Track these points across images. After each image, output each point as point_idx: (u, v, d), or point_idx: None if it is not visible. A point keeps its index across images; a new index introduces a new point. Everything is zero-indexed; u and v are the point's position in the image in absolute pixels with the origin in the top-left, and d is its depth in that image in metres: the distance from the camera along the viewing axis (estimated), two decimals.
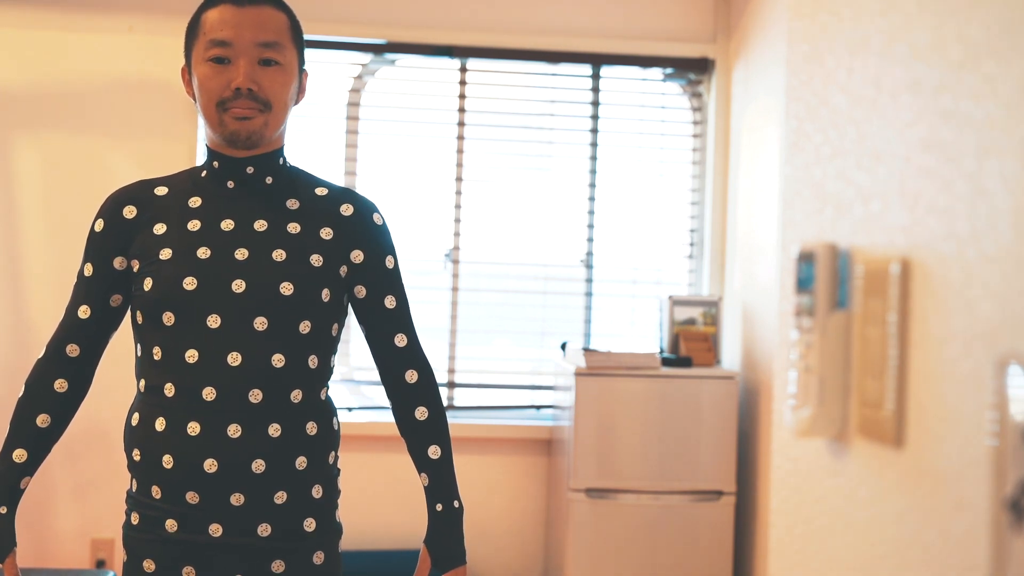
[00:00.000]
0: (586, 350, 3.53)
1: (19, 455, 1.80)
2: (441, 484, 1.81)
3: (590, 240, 4.06)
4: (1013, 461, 0.66)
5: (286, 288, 1.70)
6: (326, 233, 1.77)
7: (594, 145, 4.07)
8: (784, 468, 1.05)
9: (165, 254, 1.73)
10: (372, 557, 3.71)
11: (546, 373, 4.04)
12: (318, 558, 1.75)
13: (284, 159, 1.83)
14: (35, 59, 3.80)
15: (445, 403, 3.95)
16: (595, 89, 4.07)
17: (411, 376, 1.84)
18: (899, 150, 0.86)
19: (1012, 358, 0.68)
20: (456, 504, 1.82)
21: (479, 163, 4.05)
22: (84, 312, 1.82)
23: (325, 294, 1.75)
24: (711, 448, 3.50)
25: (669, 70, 4.07)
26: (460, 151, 4.02)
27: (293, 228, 1.75)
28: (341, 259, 1.78)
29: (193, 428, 1.68)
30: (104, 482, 3.76)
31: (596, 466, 3.48)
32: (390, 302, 1.82)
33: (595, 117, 4.07)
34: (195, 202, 1.78)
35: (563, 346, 3.84)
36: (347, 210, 1.81)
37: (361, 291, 1.81)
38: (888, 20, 0.89)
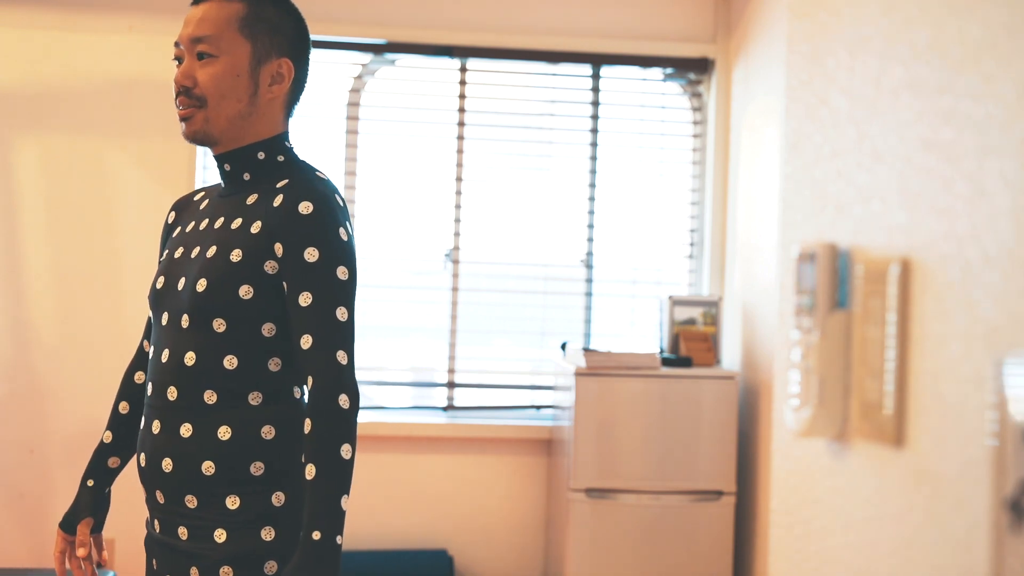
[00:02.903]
0: (586, 350, 3.53)
1: (106, 437, 1.90)
2: (309, 508, 1.56)
3: (590, 240, 4.06)
4: (1013, 461, 0.66)
5: (201, 284, 1.66)
6: (256, 227, 1.67)
7: (594, 145, 4.07)
8: (784, 468, 1.05)
9: (164, 256, 1.82)
10: (372, 557, 3.71)
11: (546, 373, 4.04)
12: (224, 573, 1.62)
13: (268, 152, 1.74)
14: (35, 59, 3.80)
15: (444, 403, 4.00)
16: (595, 89, 4.07)
17: (309, 382, 1.61)
18: (899, 150, 0.86)
19: (1012, 358, 0.68)
20: (316, 536, 1.53)
21: (479, 163, 4.05)
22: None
23: (245, 291, 1.64)
24: (711, 448, 3.50)
25: (669, 70, 4.07)
26: (460, 151, 4.02)
27: (236, 224, 1.69)
28: (265, 253, 1.65)
29: (142, 421, 1.76)
30: None
31: (596, 466, 3.48)
32: (304, 299, 1.61)
33: (595, 117, 4.07)
34: (204, 204, 1.83)
35: (563, 346, 3.84)
36: (277, 200, 1.67)
37: (284, 287, 1.65)
38: (888, 20, 0.89)
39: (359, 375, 4.01)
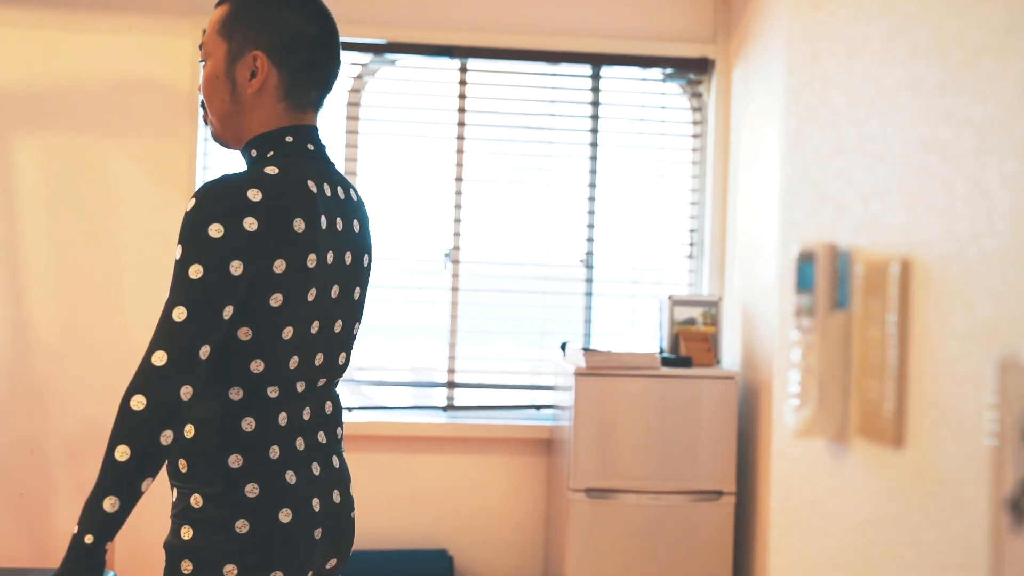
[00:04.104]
0: (586, 350, 3.53)
1: None
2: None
3: (590, 240, 4.06)
4: (1013, 461, 0.66)
5: None
6: None
7: (594, 145, 4.07)
8: (784, 468, 1.05)
9: None
10: (372, 557, 3.71)
11: (546, 373, 4.04)
12: (186, 567, 1.64)
13: (260, 149, 1.74)
14: (35, 59, 3.80)
15: (444, 403, 4.00)
16: (595, 89, 4.07)
17: None
18: (899, 150, 0.85)
19: (1012, 358, 0.68)
20: (74, 530, 1.51)
21: (479, 163, 4.05)
22: None
23: None
24: (711, 448, 3.50)
25: (669, 70, 4.07)
26: (460, 151, 4.02)
27: None
28: None
29: None
30: None
31: (596, 466, 3.48)
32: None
33: (595, 117, 4.07)
34: None
35: (563, 346, 3.84)
36: None
37: None
38: (888, 20, 0.89)
39: (360, 376, 4.02)
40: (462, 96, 4.01)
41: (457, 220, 4.01)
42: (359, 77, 3.99)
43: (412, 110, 4.03)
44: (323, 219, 1.69)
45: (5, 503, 3.78)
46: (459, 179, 4.02)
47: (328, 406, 1.79)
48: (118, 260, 3.81)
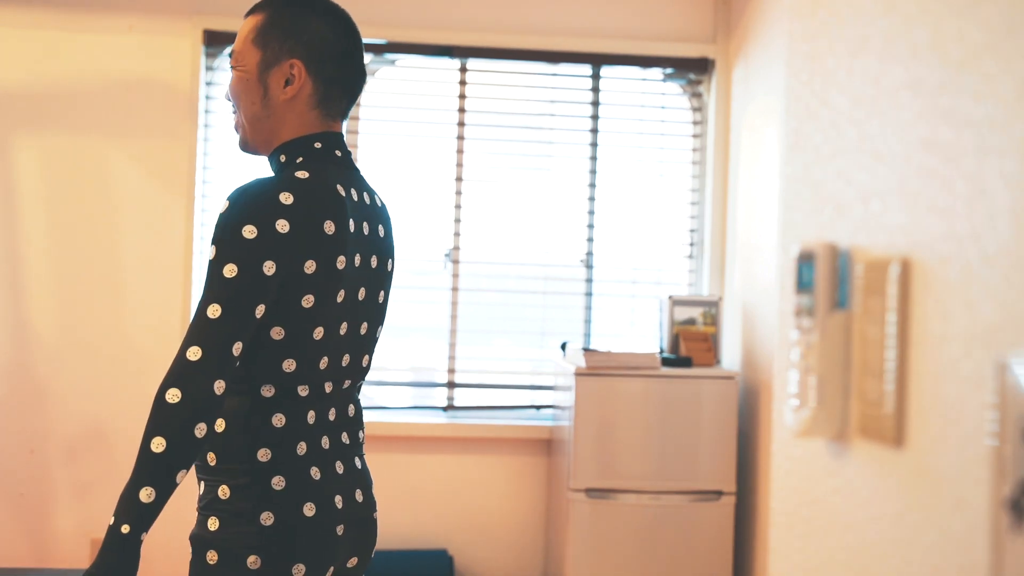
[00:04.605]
0: (586, 350, 3.53)
1: None
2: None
3: (590, 240, 4.06)
4: (1013, 461, 0.66)
5: None
6: None
7: (594, 145, 4.07)
8: (784, 468, 1.05)
9: None
10: (372, 556, 3.71)
11: (546, 373, 4.04)
12: (211, 558, 1.67)
13: (289, 155, 1.76)
14: (35, 59, 3.80)
15: (444, 403, 3.99)
16: (595, 89, 4.07)
17: None
18: (899, 150, 0.85)
19: (1012, 358, 0.68)
20: (111, 521, 1.55)
21: (479, 163, 4.05)
22: None
23: None
24: (711, 448, 3.50)
25: (669, 70, 4.07)
26: (460, 151, 4.02)
27: None
28: None
29: None
30: (104, 482, 3.76)
31: (596, 466, 3.48)
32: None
33: (595, 117, 4.07)
34: None
35: (563, 346, 3.84)
36: None
37: None
38: (888, 20, 0.89)
39: None
40: (462, 96, 4.01)
41: (457, 220, 4.01)
42: None
43: (412, 110, 4.03)
44: (351, 223, 1.72)
45: (5, 503, 3.78)
46: (459, 179, 4.02)
47: (351, 409, 1.81)
48: (118, 260, 3.81)
